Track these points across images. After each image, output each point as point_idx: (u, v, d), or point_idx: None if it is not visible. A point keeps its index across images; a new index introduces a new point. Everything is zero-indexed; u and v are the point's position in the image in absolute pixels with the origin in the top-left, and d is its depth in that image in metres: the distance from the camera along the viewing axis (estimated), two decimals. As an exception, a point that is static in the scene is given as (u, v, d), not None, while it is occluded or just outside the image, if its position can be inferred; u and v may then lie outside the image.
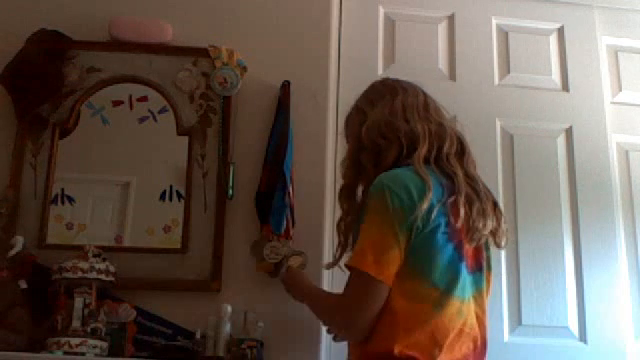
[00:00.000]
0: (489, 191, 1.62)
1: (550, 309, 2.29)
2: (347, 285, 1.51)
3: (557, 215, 2.39)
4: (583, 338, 2.28)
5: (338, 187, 1.77)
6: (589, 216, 2.38)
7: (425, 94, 1.70)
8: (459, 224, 1.48)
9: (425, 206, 1.44)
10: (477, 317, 1.53)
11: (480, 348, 1.52)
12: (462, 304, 1.48)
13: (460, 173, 1.54)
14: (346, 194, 1.70)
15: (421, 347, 1.42)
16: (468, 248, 1.52)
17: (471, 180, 1.56)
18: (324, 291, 1.90)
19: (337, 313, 1.55)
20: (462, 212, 1.48)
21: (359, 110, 1.71)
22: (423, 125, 1.59)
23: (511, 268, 2.32)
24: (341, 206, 1.73)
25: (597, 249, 2.36)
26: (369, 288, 1.45)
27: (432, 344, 1.43)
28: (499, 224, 1.59)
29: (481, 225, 1.51)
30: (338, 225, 1.73)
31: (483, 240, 1.55)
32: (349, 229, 1.69)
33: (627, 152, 2.52)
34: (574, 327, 2.29)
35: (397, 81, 1.73)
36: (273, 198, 2.00)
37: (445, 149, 1.57)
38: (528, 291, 2.30)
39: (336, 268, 1.74)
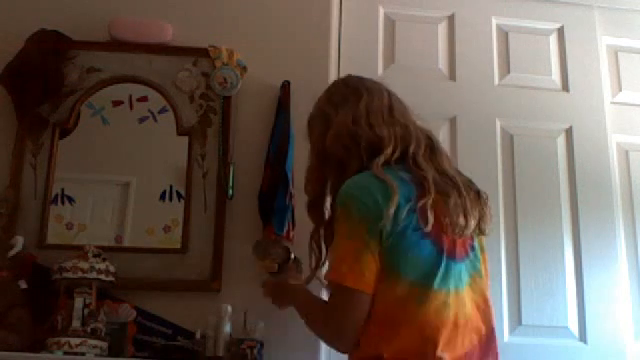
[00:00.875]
0: (471, 182, 1.58)
1: (550, 309, 2.29)
2: (329, 299, 1.52)
3: (557, 215, 2.39)
4: (583, 338, 2.28)
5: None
6: (589, 216, 2.38)
7: (390, 94, 1.66)
8: (429, 227, 1.44)
9: (391, 209, 1.42)
10: (477, 307, 1.50)
11: (485, 339, 1.49)
12: (448, 296, 1.43)
13: (430, 174, 1.51)
14: (313, 207, 1.70)
15: (412, 349, 1.39)
16: (452, 239, 1.48)
17: (445, 176, 1.53)
18: (314, 303, 1.74)
19: (325, 327, 1.53)
20: (431, 212, 1.44)
21: (322, 114, 1.68)
22: (389, 129, 1.57)
23: (511, 268, 2.32)
24: (311, 219, 1.72)
25: (597, 249, 2.36)
26: (348, 299, 1.44)
27: (423, 341, 1.39)
28: (483, 212, 1.56)
29: (461, 220, 1.48)
30: (312, 237, 1.73)
31: (469, 232, 1.51)
32: (321, 240, 1.70)
33: (627, 152, 2.52)
34: (574, 327, 2.29)
35: (360, 81, 1.69)
36: (275, 199, 2.00)
37: (411, 150, 1.55)
38: (528, 291, 2.30)
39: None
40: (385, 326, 1.41)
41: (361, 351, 1.44)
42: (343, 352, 1.52)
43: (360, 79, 1.71)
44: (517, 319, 2.28)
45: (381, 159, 1.52)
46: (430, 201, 1.45)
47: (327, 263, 1.72)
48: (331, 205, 1.65)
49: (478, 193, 1.57)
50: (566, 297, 2.31)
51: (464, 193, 1.52)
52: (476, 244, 1.56)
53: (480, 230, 1.56)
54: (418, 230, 1.44)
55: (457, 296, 1.45)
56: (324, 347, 2.02)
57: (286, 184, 2.02)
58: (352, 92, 1.65)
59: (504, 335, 2.25)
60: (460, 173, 1.60)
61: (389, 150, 1.53)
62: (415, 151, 1.55)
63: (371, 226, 1.43)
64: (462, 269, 1.49)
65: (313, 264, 1.74)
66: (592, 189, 2.42)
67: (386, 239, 1.43)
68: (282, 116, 2.14)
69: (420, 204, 1.45)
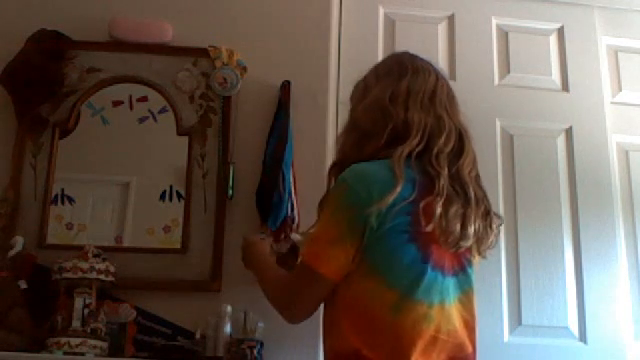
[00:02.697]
0: (485, 198, 1.49)
1: (550, 309, 2.29)
2: (292, 271, 1.55)
3: (557, 215, 2.39)
4: (583, 338, 2.28)
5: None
6: (589, 216, 2.38)
7: (438, 78, 1.58)
8: (429, 227, 1.39)
9: (383, 205, 1.37)
10: (466, 324, 1.44)
11: (466, 356, 1.43)
12: (430, 308, 1.37)
13: (445, 174, 1.43)
14: (334, 172, 1.60)
15: (386, 353, 1.35)
16: (443, 251, 1.42)
17: (457, 182, 1.45)
18: (275, 269, 1.74)
19: (278, 295, 1.57)
20: (437, 214, 1.39)
21: (365, 82, 1.63)
22: (420, 116, 1.48)
23: (511, 268, 2.32)
24: (327, 183, 1.63)
25: (597, 249, 2.36)
26: (307, 277, 1.44)
27: (396, 350, 1.35)
28: (486, 233, 1.48)
29: (457, 229, 1.40)
30: (320, 202, 1.60)
31: (463, 246, 1.43)
32: None
33: (627, 152, 2.52)
34: (574, 327, 2.29)
35: (412, 58, 1.62)
36: (271, 195, 2.00)
37: (437, 147, 1.46)
38: (528, 291, 2.30)
39: None
40: (360, 323, 1.38)
41: (336, 343, 1.42)
42: (289, 322, 1.55)
43: (413, 57, 1.64)
44: (517, 319, 2.28)
45: (405, 150, 1.44)
46: (441, 201, 1.39)
47: None
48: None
49: (488, 212, 1.49)
50: (566, 297, 2.31)
51: (472, 205, 1.44)
52: (466, 262, 1.48)
53: (478, 251, 1.49)
54: (405, 233, 1.39)
55: (442, 310, 1.40)
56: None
57: (283, 182, 2.01)
58: (398, 67, 1.59)
59: (504, 335, 2.26)
60: (478, 184, 1.50)
61: (415, 140, 1.46)
62: (441, 149, 1.46)
63: (355, 219, 1.39)
64: (452, 283, 1.43)
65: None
66: (592, 189, 2.42)
67: (370, 235, 1.39)
68: (282, 113, 2.14)
69: (424, 203, 1.39)
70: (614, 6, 2.65)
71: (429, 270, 1.39)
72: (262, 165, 2.09)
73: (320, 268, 1.41)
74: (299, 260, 1.51)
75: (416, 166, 1.44)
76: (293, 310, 1.52)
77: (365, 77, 1.65)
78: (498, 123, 2.46)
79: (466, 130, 1.55)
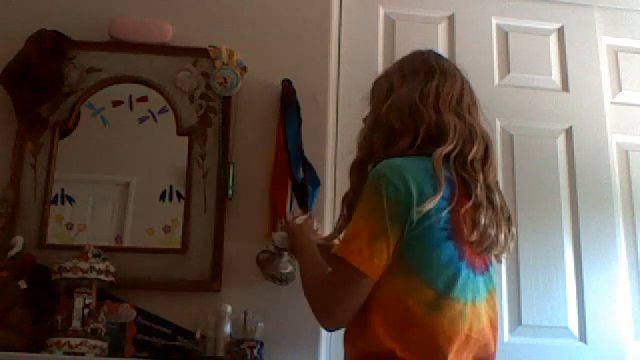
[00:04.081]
0: (505, 204, 1.51)
1: (550, 309, 2.29)
2: (330, 273, 1.45)
3: (557, 215, 2.39)
4: (583, 338, 2.28)
5: (339, 187, 1.73)
6: (589, 216, 2.38)
7: (464, 83, 1.56)
8: (474, 236, 1.39)
9: (427, 205, 1.35)
10: (491, 323, 1.44)
11: (488, 357, 1.43)
12: (465, 307, 1.37)
13: (481, 181, 1.43)
14: (356, 169, 1.57)
15: (422, 352, 1.33)
16: (473, 251, 1.41)
17: (487, 189, 1.45)
18: (320, 267, 1.59)
19: (317, 299, 1.46)
20: (482, 223, 1.39)
21: (389, 80, 1.59)
22: (455, 120, 1.47)
23: (511, 268, 2.31)
24: (350, 179, 1.58)
25: (597, 249, 2.36)
26: (349, 278, 1.36)
27: (433, 349, 1.33)
28: (506, 240, 1.48)
29: (493, 234, 1.42)
30: (344, 198, 1.60)
31: (493, 252, 1.44)
32: (354, 203, 1.53)
33: (627, 152, 2.52)
34: (574, 327, 2.29)
35: (439, 60, 1.60)
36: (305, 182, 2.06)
37: (471, 153, 1.45)
38: (528, 291, 2.30)
39: None
40: (394, 322, 1.35)
41: (366, 345, 1.37)
42: (326, 328, 1.48)
43: (439, 58, 1.62)
44: (517, 319, 2.28)
45: (445, 150, 1.43)
46: (483, 211, 1.40)
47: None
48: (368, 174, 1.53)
49: (509, 217, 1.50)
50: (566, 297, 2.31)
51: (498, 211, 1.45)
52: (489, 262, 1.49)
53: (497, 254, 1.49)
54: (444, 230, 1.37)
55: (474, 309, 1.39)
56: (324, 347, 2.02)
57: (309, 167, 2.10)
58: (425, 68, 1.55)
59: (504, 335, 2.25)
60: (499, 190, 1.50)
61: (452, 145, 1.44)
62: (474, 155, 1.45)
63: (396, 213, 1.35)
64: (481, 282, 1.43)
65: (339, 223, 1.60)
66: (592, 189, 2.42)
67: (410, 231, 1.35)
68: (292, 107, 2.15)
69: (463, 210, 1.39)
70: (614, 6, 2.64)
71: (464, 268, 1.39)
72: (286, 155, 2.09)
73: (361, 266, 1.35)
74: (338, 260, 1.40)
75: (452, 168, 1.43)
76: (332, 315, 1.41)
77: (388, 75, 1.61)
78: (498, 123, 2.46)
79: (489, 136, 1.54)
